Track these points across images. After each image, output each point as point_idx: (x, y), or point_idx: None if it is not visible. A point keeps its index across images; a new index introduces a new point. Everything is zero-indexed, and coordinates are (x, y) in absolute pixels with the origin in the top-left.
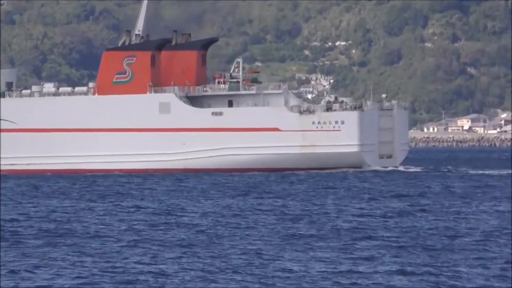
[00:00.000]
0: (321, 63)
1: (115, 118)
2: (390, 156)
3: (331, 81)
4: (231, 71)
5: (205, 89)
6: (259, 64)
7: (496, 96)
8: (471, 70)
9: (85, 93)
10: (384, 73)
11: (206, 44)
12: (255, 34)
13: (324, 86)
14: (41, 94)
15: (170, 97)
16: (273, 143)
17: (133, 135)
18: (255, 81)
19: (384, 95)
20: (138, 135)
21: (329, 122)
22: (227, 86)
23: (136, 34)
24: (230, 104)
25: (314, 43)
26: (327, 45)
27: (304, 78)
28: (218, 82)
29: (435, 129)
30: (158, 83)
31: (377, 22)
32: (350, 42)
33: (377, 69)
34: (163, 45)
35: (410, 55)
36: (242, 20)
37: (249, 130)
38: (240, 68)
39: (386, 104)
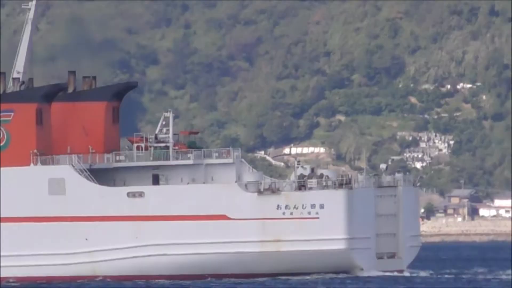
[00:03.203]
0: (436, 116)
1: None
2: (393, 256)
3: (451, 142)
4: (156, 131)
5: (118, 158)
6: (341, 118)
7: None
8: None
9: None
10: None
11: (119, 92)
12: (335, 73)
13: (441, 150)
14: None
15: (65, 170)
16: (219, 237)
17: (13, 228)
18: (192, 145)
19: (383, 165)
20: (19, 227)
21: (302, 206)
22: (151, 153)
23: (14, 78)
24: (156, 181)
25: (425, 86)
26: (444, 89)
27: (410, 138)
28: (138, 148)
29: None
30: (47, 150)
31: None
32: (479, 84)
33: None
34: (54, 93)
35: None
36: (315, 51)
37: (183, 219)
38: (171, 126)
39: (387, 179)
